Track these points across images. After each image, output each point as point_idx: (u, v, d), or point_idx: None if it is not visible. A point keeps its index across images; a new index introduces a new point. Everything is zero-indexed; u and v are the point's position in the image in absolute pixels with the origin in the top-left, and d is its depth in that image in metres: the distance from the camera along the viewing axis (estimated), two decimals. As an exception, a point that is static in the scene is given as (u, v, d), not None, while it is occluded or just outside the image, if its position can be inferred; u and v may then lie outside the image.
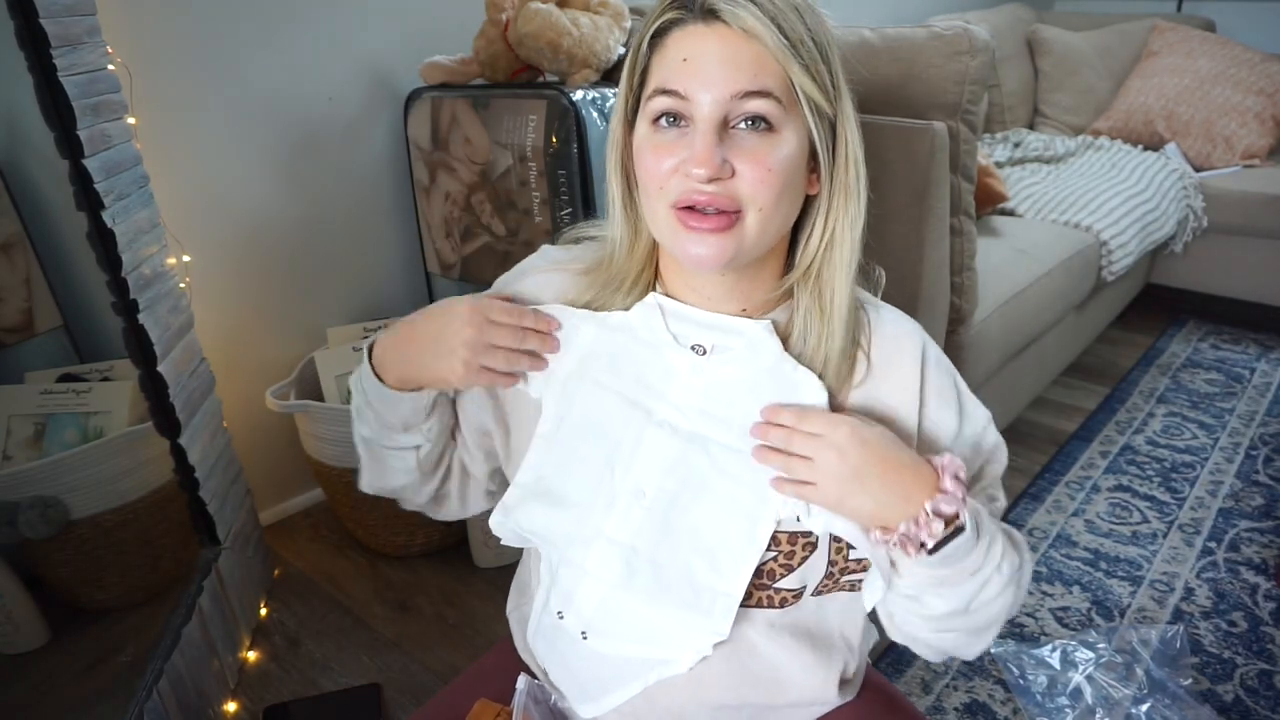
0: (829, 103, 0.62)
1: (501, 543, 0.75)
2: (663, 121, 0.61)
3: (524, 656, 0.80)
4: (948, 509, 0.60)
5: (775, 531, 0.66)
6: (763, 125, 0.60)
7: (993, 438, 0.72)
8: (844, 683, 0.75)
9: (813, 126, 0.62)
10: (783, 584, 0.67)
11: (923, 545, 0.60)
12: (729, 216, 0.60)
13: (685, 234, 0.61)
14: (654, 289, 0.71)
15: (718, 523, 0.66)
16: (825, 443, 0.61)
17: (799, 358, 0.67)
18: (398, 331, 0.72)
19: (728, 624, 0.66)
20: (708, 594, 0.66)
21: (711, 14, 0.59)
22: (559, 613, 0.71)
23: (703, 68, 0.59)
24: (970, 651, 0.69)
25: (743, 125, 0.60)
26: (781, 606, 0.68)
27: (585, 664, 0.72)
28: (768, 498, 0.65)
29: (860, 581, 0.70)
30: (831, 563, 0.68)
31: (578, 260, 0.75)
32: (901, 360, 0.68)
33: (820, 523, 0.65)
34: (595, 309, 0.71)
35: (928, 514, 0.60)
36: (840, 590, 0.70)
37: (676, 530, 0.66)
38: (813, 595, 0.70)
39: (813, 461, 0.61)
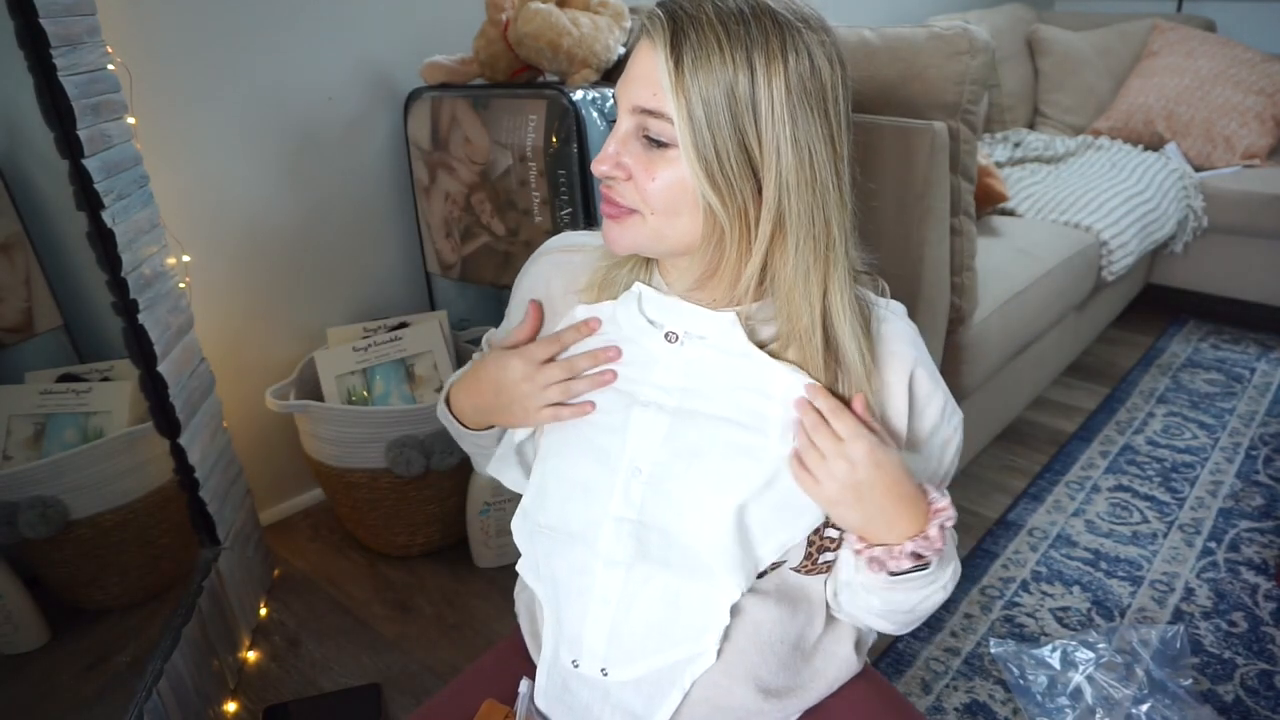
0: (723, 159, 0.60)
1: (519, 568, 0.78)
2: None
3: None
4: (924, 554, 0.65)
5: None
6: (653, 143, 0.63)
7: (959, 439, 0.75)
8: (857, 644, 0.78)
9: (696, 174, 0.61)
10: None
11: (885, 568, 0.66)
12: (625, 210, 0.66)
13: (602, 215, 0.68)
14: (650, 270, 0.74)
15: (714, 484, 0.68)
16: (843, 449, 0.64)
17: (777, 352, 0.69)
18: (467, 383, 0.79)
19: (737, 581, 0.68)
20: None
21: (643, 27, 0.63)
22: (574, 661, 0.73)
23: (625, 77, 0.64)
24: (896, 632, 0.76)
25: (643, 137, 0.63)
26: (760, 576, 0.71)
27: (614, 709, 0.73)
28: (760, 456, 0.67)
29: (834, 561, 0.73)
30: (809, 541, 0.70)
31: (596, 240, 0.77)
32: (894, 364, 0.69)
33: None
34: (600, 287, 0.74)
35: (904, 551, 0.65)
36: (819, 572, 0.73)
37: (677, 497, 0.69)
38: (792, 570, 0.72)
39: (825, 460, 0.64)
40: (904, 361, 0.69)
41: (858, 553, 0.67)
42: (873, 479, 0.63)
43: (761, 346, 0.68)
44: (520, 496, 0.79)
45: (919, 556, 0.65)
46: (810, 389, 0.66)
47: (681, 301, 0.70)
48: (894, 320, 0.71)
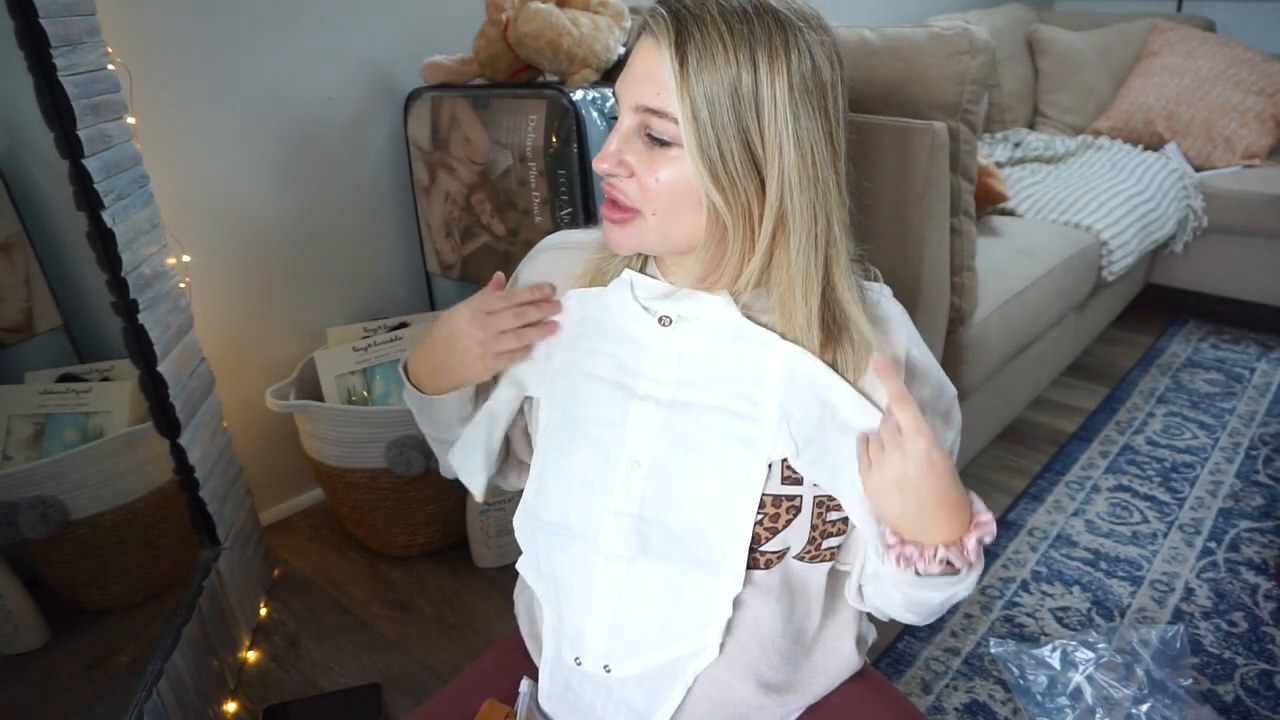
0: (727, 158, 0.61)
1: (519, 566, 0.78)
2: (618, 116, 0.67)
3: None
4: (955, 563, 0.64)
5: (761, 495, 0.68)
6: (655, 141, 0.63)
7: (957, 414, 0.76)
8: (858, 641, 0.78)
9: (700, 172, 0.61)
10: (767, 547, 0.70)
11: (914, 568, 0.65)
12: (628, 212, 0.66)
13: (603, 218, 0.68)
14: (644, 260, 0.75)
15: (713, 475, 0.68)
16: (900, 442, 0.62)
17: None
18: (421, 350, 0.79)
19: (739, 573, 0.68)
20: (718, 545, 0.68)
21: (646, 25, 0.63)
22: (576, 659, 0.73)
23: (627, 75, 0.65)
24: (920, 623, 0.75)
25: (645, 136, 0.64)
26: (766, 568, 0.71)
27: (617, 706, 0.73)
28: (756, 445, 0.68)
29: (838, 548, 0.74)
30: (813, 526, 0.70)
31: (592, 237, 0.78)
32: (889, 344, 0.70)
33: (812, 471, 0.68)
34: (595, 277, 0.75)
35: (935, 554, 0.63)
36: (822, 559, 0.73)
37: (676, 490, 0.69)
38: (795, 559, 0.72)
39: (881, 448, 0.63)
40: (899, 341, 0.70)
41: (889, 547, 0.65)
42: (921, 477, 0.62)
43: None
44: (510, 493, 0.79)
45: (949, 563, 0.64)
46: (880, 366, 0.64)
47: (673, 286, 0.70)
48: (886, 303, 0.72)
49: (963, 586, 0.67)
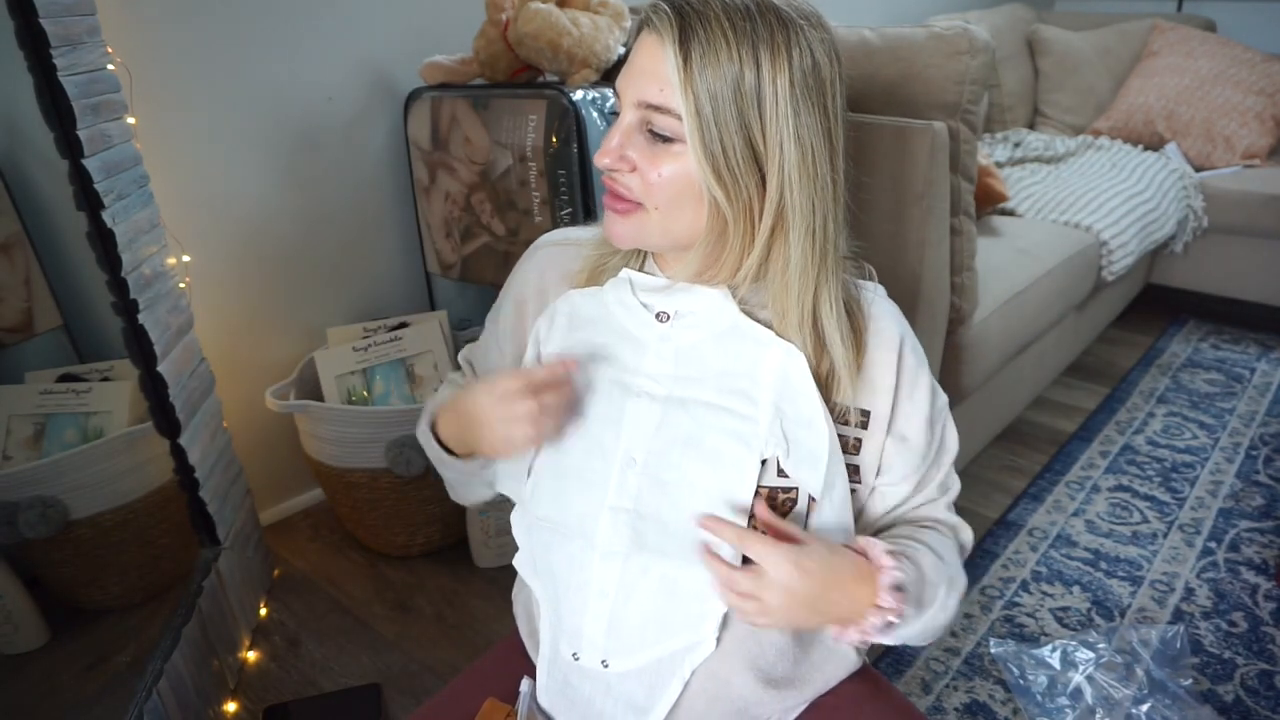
0: (729, 154, 0.62)
1: (516, 563, 0.78)
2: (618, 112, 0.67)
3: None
4: (889, 618, 0.65)
5: (758, 487, 0.68)
6: (657, 137, 0.64)
7: (949, 420, 0.76)
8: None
9: (703, 168, 0.62)
10: None
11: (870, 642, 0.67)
12: (630, 204, 0.67)
13: (605, 209, 0.69)
14: (643, 258, 0.75)
15: (709, 471, 0.69)
16: (768, 581, 0.63)
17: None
18: (448, 411, 0.78)
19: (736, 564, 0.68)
20: (713, 539, 0.68)
21: (648, 21, 0.64)
22: (574, 654, 0.73)
23: (629, 71, 0.65)
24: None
25: (647, 132, 0.64)
26: None
27: (615, 701, 0.73)
28: (750, 441, 0.68)
29: None
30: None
31: (590, 235, 0.78)
32: (883, 341, 0.71)
33: (799, 472, 0.68)
34: (593, 275, 0.75)
35: (871, 625, 0.65)
36: None
37: (672, 485, 0.69)
38: None
39: (758, 599, 0.63)
40: (892, 339, 0.71)
41: (835, 639, 0.67)
42: (810, 588, 0.63)
43: None
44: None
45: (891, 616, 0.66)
46: (707, 523, 0.65)
47: (672, 282, 0.71)
48: (880, 301, 0.73)
49: (929, 615, 0.69)
